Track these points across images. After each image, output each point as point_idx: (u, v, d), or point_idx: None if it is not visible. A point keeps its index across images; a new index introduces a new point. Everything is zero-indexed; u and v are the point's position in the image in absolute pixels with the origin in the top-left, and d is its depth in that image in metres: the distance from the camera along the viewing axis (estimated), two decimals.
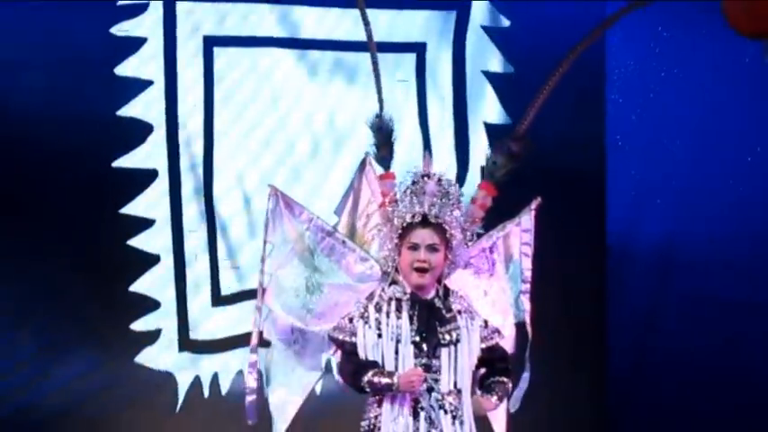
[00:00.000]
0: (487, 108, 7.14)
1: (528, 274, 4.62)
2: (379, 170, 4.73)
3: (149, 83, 6.85)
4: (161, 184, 6.88)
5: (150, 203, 6.86)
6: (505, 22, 7.20)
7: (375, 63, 4.76)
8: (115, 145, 6.79)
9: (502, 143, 4.60)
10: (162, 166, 6.87)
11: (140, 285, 6.85)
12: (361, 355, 4.35)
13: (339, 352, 4.54)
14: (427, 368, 4.33)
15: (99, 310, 6.78)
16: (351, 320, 4.40)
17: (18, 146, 6.69)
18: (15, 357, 6.79)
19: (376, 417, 4.39)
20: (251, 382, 4.55)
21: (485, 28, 7.19)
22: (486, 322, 4.47)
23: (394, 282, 4.41)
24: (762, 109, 6.81)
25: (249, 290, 6.62)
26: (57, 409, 6.77)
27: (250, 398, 4.55)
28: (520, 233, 4.64)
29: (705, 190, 7.02)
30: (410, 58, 7.07)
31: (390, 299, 4.36)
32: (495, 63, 7.16)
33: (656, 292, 7.17)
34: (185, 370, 6.90)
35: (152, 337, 6.86)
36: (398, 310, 4.34)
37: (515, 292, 4.65)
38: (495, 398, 4.46)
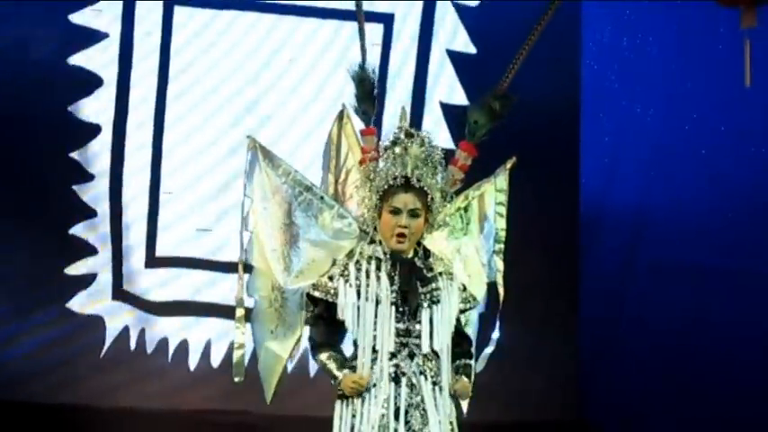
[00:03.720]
0: (447, 87, 7.11)
1: (502, 234, 4.58)
2: (358, 125, 4.66)
3: (105, 35, 6.88)
4: (104, 138, 6.92)
5: (94, 152, 6.91)
6: (473, 2, 7.17)
7: (359, 7, 4.70)
8: (64, 93, 6.84)
9: (483, 102, 4.53)
10: (107, 121, 6.91)
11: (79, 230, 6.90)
12: (341, 315, 4.29)
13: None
14: (407, 333, 4.27)
15: (33, 254, 6.87)
16: (330, 279, 4.32)
17: None
18: None
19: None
20: (239, 337, 4.46)
21: (454, 4, 7.16)
22: (464, 286, 4.44)
23: (373, 241, 4.35)
24: (736, 78, 6.27)
25: (184, 257, 6.80)
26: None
27: (238, 353, 4.48)
28: (494, 193, 4.60)
29: (678, 158, 6.98)
30: (377, 29, 7.02)
31: (370, 257, 4.30)
32: (460, 42, 7.11)
33: (627, 258, 7.20)
34: (116, 317, 6.95)
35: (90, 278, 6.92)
36: (378, 269, 4.29)
37: (489, 252, 4.59)
38: (469, 381, 4.43)
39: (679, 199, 6.93)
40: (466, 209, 4.56)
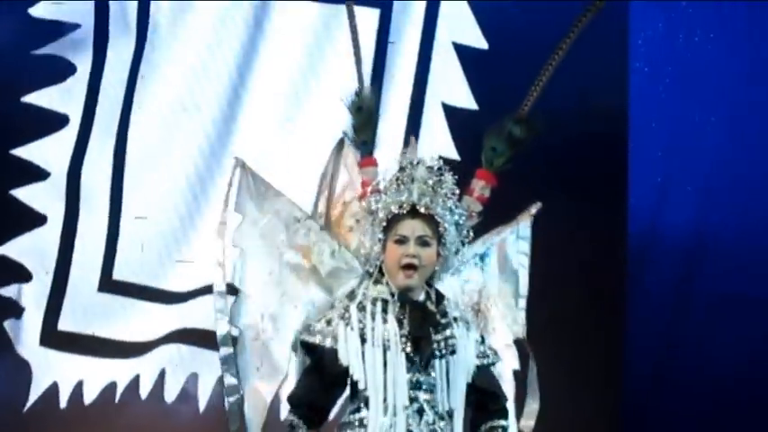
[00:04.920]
0: (451, 86, 6.68)
1: (524, 289, 4.43)
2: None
3: (77, 26, 6.64)
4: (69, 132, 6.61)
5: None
6: None
7: (353, 25, 4.52)
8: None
9: (501, 127, 4.30)
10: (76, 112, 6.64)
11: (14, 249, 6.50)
12: (343, 362, 4.00)
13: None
14: (418, 386, 4.01)
15: None
16: (329, 323, 4.05)
17: None
18: None
19: None
20: (230, 379, 4.16)
21: None
22: (482, 338, 4.21)
23: (378, 281, 4.10)
24: None
25: (150, 287, 6.48)
26: None
27: (231, 400, 4.18)
28: (517, 241, 4.43)
29: (741, 175, 6.69)
30: (373, 15, 6.59)
31: (375, 299, 4.05)
32: (469, 35, 6.76)
33: (682, 290, 6.81)
34: (43, 368, 6.45)
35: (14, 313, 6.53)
36: (385, 311, 4.03)
37: (511, 307, 4.43)
38: None
39: (742, 223, 6.68)
40: (482, 257, 4.38)
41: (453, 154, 6.03)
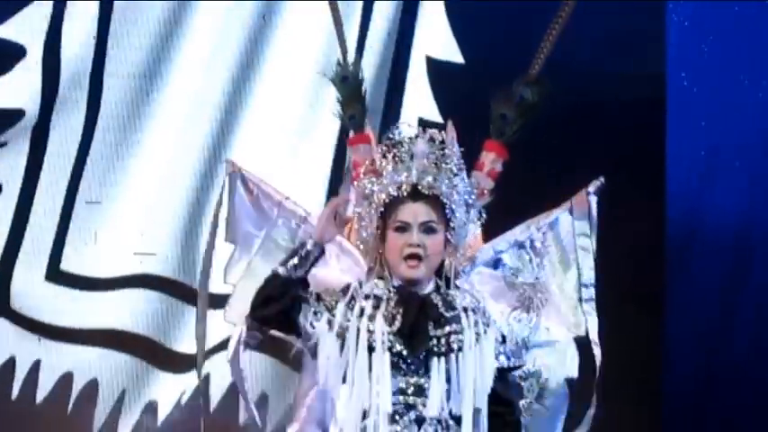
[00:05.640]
0: (434, 37, 6.35)
1: (590, 274, 4.20)
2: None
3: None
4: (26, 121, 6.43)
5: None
6: None
7: None
8: None
9: (511, 91, 4.14)
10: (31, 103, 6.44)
11: None
12: (323, 374, 3.85)
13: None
14: (419, 391, 3.82)
15: None
16: (315, 314, 3.90)
17: None
18: None
19: None
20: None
21: None
22: (503, 337, 4.01)
23: (380, 277, 3.94)
24: None
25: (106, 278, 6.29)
26: None
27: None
28: (572, 222, 4.22)
29: None
30: None
31: (368, 296, 3.88)
32: None
33: (729, 288, 6.50)
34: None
35: None
36: (376, 308, 3.87)
37: (574, 300, 4.20)
38: None
39: None
40: (531, 243, 4.21)
41: (435, 114, 5.89)
